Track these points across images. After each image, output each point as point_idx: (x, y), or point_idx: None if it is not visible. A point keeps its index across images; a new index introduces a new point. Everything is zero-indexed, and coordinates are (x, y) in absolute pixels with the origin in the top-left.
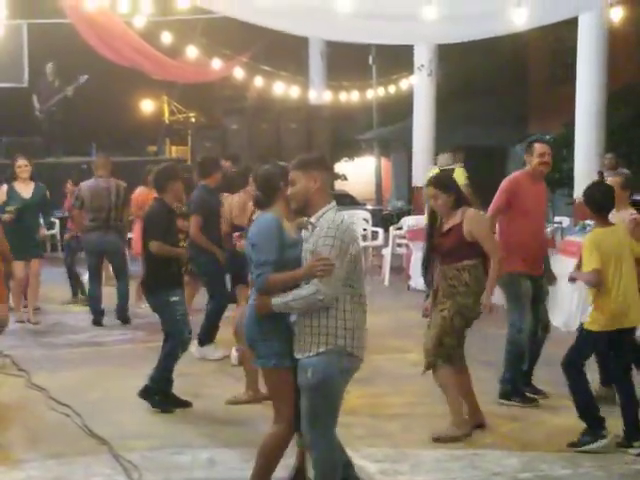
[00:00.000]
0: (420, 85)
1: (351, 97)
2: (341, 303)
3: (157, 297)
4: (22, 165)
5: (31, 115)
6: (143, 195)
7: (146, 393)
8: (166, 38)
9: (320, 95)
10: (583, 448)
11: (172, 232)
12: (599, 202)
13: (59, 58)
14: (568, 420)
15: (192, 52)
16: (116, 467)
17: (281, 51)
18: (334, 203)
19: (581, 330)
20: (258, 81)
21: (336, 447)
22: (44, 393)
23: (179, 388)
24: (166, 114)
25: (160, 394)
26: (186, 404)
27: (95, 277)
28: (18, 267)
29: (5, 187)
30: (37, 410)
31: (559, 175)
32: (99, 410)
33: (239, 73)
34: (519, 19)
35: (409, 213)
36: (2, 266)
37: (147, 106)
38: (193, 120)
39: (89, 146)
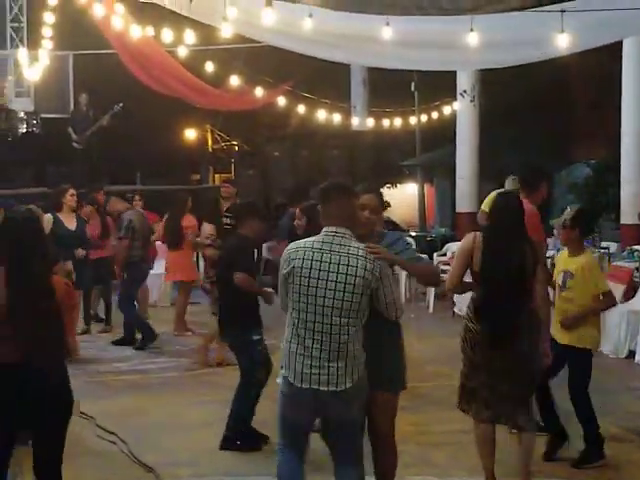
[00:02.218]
0: (463, 111)
1: (393, 123)
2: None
3: (236, 335)
4: (74, 194)
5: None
6: (193, 223)
7: (227, 443)
8: (209, 67)
9: (362, 122)
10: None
11: (254, 267)
12: None
13: (104, 88)
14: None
15: (235, 81)
16: None
17: (323, 78)
18: None
19: (582, 353)
20: (300, 108)
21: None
22: (90, 420)
23: (221, 415)
24: (210, 142)
25: (240, 437)
26: (265, 437)
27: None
28: None
29: (49, 216)
30: (84, 437)
31: (605, 200)
32: (144, 438)
33: (282, 101)
34: (562, 44)
35: (452, 239)
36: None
37: (191, 135)
38: (236, 148)
39: (133, 175)
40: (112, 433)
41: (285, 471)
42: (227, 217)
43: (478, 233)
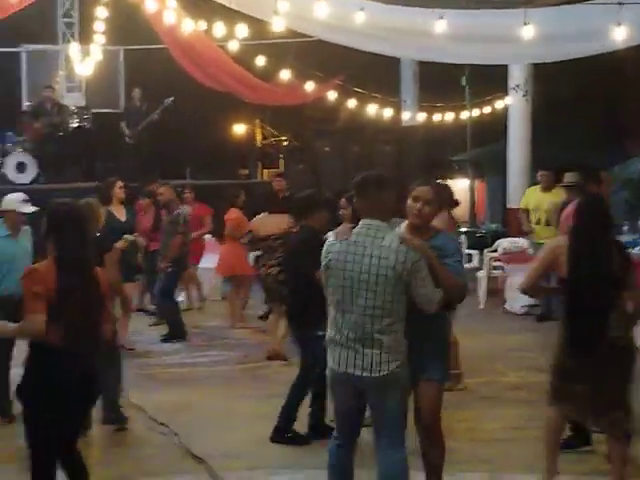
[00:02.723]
0: (515, 105)
1: (444, 118)
2: None
3: (305, 331)
4: (122, 187)
5: (124, 139)
6: (239, 217)
7: (278, 434)
8: (260, 61)
9: (413, 117)
10: None
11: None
12: None
13: (154, 83)
14: None
15: (285, 75)
16: None
17: (373, 73)
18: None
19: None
20: (350, 103)
21: None
22: (142, 413)
23: (272, 408)
24: (258, 137)
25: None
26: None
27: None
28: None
29: (102, 209)
30: (136, 429)
31: None
32: (195, 430)
33: (332, 95)
34: (619, 37)
35: (503, 235)
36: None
37: (239, 129)
38: (285, 143)
39: (183, 170)
40: (163, 425)
41: (333, 461)
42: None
43: (564, 238)
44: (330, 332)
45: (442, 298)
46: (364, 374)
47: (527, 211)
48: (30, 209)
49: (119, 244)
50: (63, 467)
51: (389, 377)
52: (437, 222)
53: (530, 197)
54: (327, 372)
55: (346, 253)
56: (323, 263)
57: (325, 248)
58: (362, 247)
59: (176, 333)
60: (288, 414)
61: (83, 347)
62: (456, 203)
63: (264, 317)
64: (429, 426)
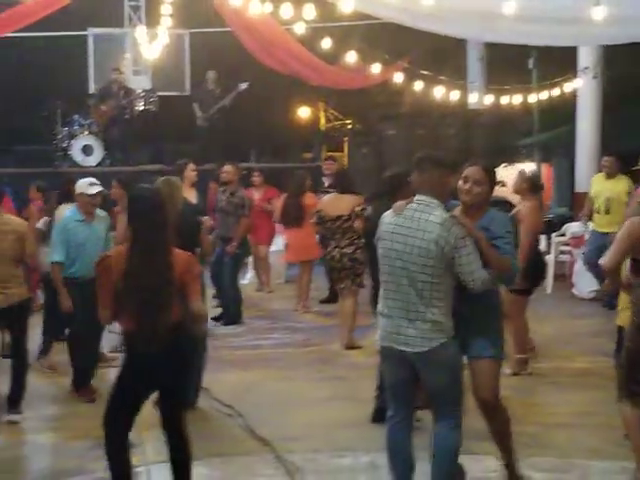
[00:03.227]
0: (584, 88)
1: (511, 101)
2: None
3: None
4: (195, 169)
5: (192, 123)
6: (314, 201)
7: (379, 415)
8: (326, 44)
9: (479, 100)
10: None
11: None
12: None
13: (220, 66)
14: None
15: (351, 57)
16: (279, 468)
17: (439, 55)
18: None
19: None
20: (417, 86)
21: None
22: (207, 393)
23: (336, 392)
24: (322, 121)
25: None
26: None
27: None
28: None
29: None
30: (201, 410)
31: None
32: (260, 412)
33: (398, 78)
34: None
35: (571, 219)
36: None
37: (303, 113)
38: (349, 127)
39: (247, 153)
40: (228, 406)
41: (390, 440)
42: (328, 192)
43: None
44: (379, 305)
45: (489, 279)
46: (407, 349)
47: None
48: (95, 190)
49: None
50: (166, 441)
51: (431, 353)
52: (524, 207)
53: (594, 184)
54: (379, 347)
55: (395, 226)
56: (376, 236)
57: (380, 222)
58: (410, 221)
59: (234, 319)
60: (383, 396)
61: (146, 331)
62: (541, 187)
63: (327, 301)
64: (485, 401)
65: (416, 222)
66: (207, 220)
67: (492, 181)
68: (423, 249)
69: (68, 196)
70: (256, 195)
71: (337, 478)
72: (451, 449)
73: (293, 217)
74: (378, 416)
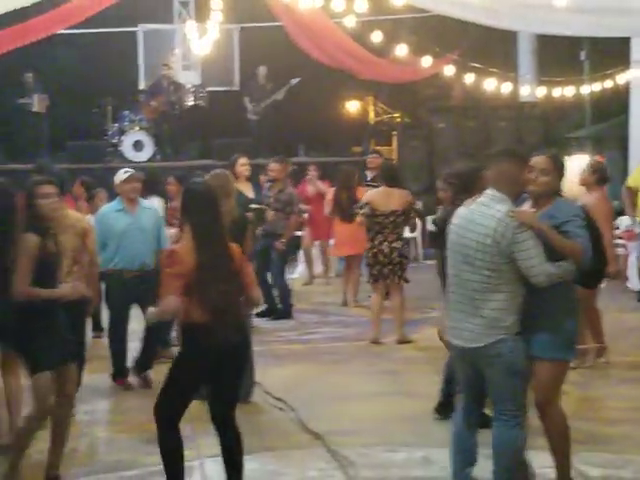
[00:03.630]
0: (638, 80)
1: (562, 94)
2: None
3: None
4: (245, 164)
5: (241, 117)
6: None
7: (442, 410)
8: (376, 37)
9: (530, 92)
10: None
11: None
12: None
13: (269, 61)
14: None
15: (401, 51)
16: (331, 462)
17: (490, 47)
18: None
19: None
20: (467, 78)
21: None
22: (259, 387)
23: (388, 386)
24: (371, 115)
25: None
26: None
27: None
28: None
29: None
30: (253, 403)
31: None
32: (312, 405)
33: (449, 71)
34: None
35: (624, 213)
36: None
37: (352, 106)
38: (398, 120)
39: (296, 147)
40: (279, 400)
41: (454, 433)
42: (371, 186)
43: None
44: (446, 300)
45: (557, 273)
46: (465, 344)
47: (631, 190)
48: (127, 174)
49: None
50: (218, 436)
51: (488, 349)
52: (591, 198)
53: (637, 176)
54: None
55: (460, 219)
56: (446, 230)
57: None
58: (473, 215)
59: (284, 314)
60: (448, 389)
61: (224, 323)
62: (608, 179)
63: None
64: (540, 405)
65: (478, 216)
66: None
67: (559, 170)
68: (480, 243)
69: (154, 188)
70: (311, 190)
71: (390, 473)
72: (509, 450)
73: (346, 211)
74: (441, 410)
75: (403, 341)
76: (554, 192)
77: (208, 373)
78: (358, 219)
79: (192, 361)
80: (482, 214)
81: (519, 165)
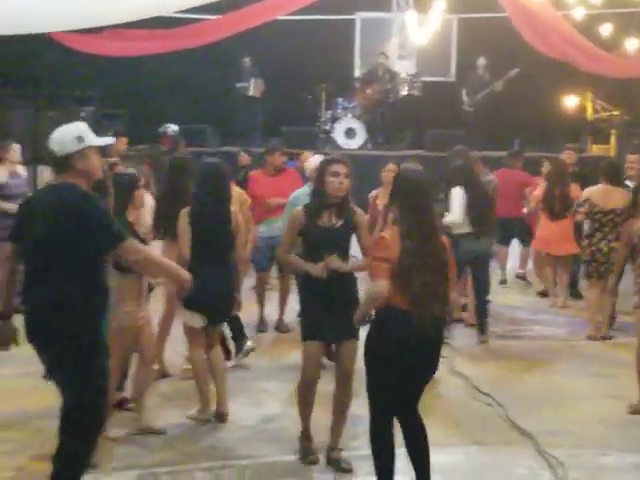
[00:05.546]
0: None
1: None
2: None
3: None
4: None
5: (455, 109)
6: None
7: None
8: (605, 30)
9: None
10: None
11: None
12: None
13: (487, 52)
14: None
15: (631, 45)
16: (540, 461)
17: None
18: None
19: None
20: None
21: None
22: (467, 381)
23: (599, 388)
24: (589, 111)
25: None
26: None
27: None
28: None
29: None
30: (459, 396)
31: None
32: (521, 403)
33: None
34: None
35: None
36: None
37: (570, 102)
38: (617, 117)
39: (511, 140)
40: (487, 395)
41: None
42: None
43: None
44: None
45: None
46: None
47: None
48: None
49: None
50: (402, 427)
51: None
52: None
53: None
54: None
55: None
56: None
57: None
58: None
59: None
60: None
61: (430, 312)
62: None
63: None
64: None
65: None
66: None
67: None
68: None
69: None
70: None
71: (600, 476)
72: None
73: (561, 208)
74: None
75: (604, 338)
76: None
77: (428, 363)
78: (578, 216)
79: (386, 346)
80: None
81: None
